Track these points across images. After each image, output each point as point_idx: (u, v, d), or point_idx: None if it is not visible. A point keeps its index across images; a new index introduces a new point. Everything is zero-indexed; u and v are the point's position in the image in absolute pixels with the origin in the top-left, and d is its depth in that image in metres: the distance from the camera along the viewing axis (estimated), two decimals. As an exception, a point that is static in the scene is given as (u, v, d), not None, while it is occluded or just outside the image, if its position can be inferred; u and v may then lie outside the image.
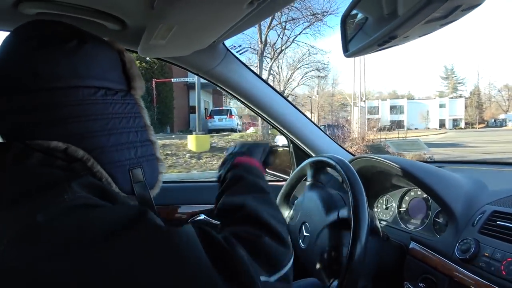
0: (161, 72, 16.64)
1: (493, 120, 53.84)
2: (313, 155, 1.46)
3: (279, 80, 26.05)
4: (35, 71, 0.54)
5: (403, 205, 1.15)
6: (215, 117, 19.63)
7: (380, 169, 1.15)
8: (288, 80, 25.29)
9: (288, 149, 1.60)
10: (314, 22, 18.98)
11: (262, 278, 0.53)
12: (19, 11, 0.85)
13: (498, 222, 0.80)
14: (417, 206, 1.11)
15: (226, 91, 1.33)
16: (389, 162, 1.08)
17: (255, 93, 1.34)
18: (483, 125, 52.84)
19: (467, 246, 0.80)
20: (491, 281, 0.72)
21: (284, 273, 0.58)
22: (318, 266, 0.90)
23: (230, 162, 0.79)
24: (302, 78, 26.08)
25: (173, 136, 12.19)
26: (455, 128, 49.37)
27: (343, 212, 0.88)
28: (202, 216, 1.50)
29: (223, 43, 1.20)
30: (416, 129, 46.53)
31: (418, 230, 1.03)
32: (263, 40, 18.66)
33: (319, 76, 26.32)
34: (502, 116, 54.27)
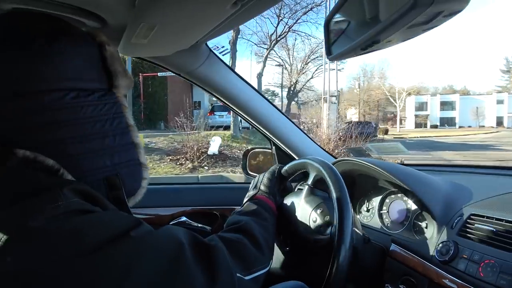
0: (151, 66, 15.98)
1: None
2: (295, 157, 1.46)
3: (290, 71, 27.02)
4: None
5: (384, 207, 1.16)
6: (216, 113, 18.69)
7: (362, 172, 1.16)
8: (300, 72, 25.92)
9: (270, 151, 1.60)
10: (312, 8, 19.54)
11: (238, 275, 0.60)
12: None
13: (476, 225, 0.82)
14: (397, 209, 1.12)
15: (209, 92, 1.32)
16: (370, 165, 1.09)
17: (238, 95, 1.33)
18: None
19: (446, 248, 0.81)
20: (469, 283, 0.74)
21: (257, 275, 0.66)
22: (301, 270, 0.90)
23: (252, 196, 0.96)
24: (317, 69, 26.24)
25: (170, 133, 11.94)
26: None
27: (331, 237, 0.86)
28: (183, 218, 1.49)
29: (206, 44, 1.19)
30: (469, 126, 43.47)
31: (398, 232, 1.04)
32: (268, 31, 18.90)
33: (335, 69, 26.81)
34: None
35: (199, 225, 1.50)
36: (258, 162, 1.71)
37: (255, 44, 22.95)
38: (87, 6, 0.85)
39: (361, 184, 1.22)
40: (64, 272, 0.40)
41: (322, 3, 19.22)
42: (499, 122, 46.66)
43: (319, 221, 0.88)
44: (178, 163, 8.82)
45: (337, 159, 1.24)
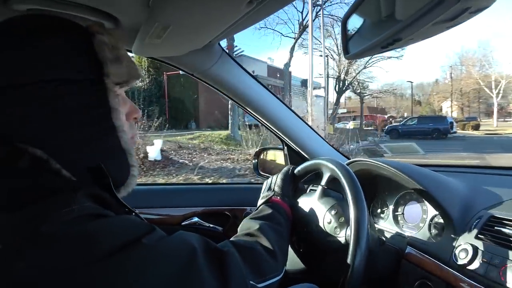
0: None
1: None
2: (308, 157, 1.45)
3: (339, 61, 25.30)
4: None
5: (399, 209, 1.14)
6: None
7: (376, 172, 1.15)
8: (352, 62, 23.93)
9: (282, 151, 1.59)
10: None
11: (251, 282, 0.59)
12: (9, 7, 0.82)
13: (495, 228, 0.80)
14: (412, 210, 1.10)
15: (222, 92, 1.31)
16: (385, 165, 1.07)
17: (250, 95, 1.33)
18: None
19: (465, 252, 0.79)
20: (489, 287, 0.72)
21: (270, 283, 0.66)
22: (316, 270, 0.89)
23: (267, 198, 0.94)
24: (369, 60, 24.94)
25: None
26: None
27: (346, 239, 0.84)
28: (195, 219, 1.49)
29: (219, 44, 1.18)
30: None
31: (414, 235, 1.02)
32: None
33: (390, 57, 24.51)
34: None
35: (211, 225, 1.50)
36: (270, 162, 1.70)
37: (282, 34, 22.53)
38: (101, 6, 0.85)
39: (375, 185, 1.21)
40: (75, 279, 0.40)
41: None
42: None
43: (333, 222, 0.87)
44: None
45: (350, 160, 1.22)
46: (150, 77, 15.63)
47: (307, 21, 18.02)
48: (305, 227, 0.94)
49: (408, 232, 1.06)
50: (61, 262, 0.40)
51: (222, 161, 8.88)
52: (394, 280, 0.94)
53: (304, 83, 25.47)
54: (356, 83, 28.45)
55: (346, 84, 26.13)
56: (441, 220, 0.96)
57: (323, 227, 0.88)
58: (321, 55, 23.11)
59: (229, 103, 11.89)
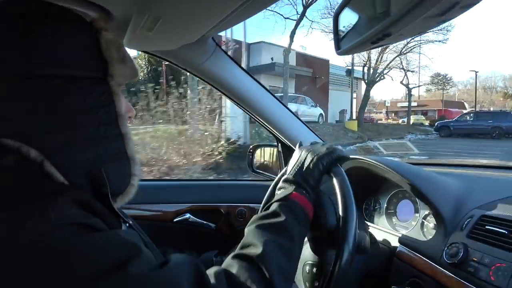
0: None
1: None
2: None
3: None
4: None
5: (391, 207, 1.14)
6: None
7: (369, 170, 1.14)
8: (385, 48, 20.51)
9: (276, 148, 1.58)
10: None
11: None
12: None
13: (486, 227, 0.79)
14: (405, 209, 1.10)
15: (215, 87, 1.30)
16: (377, 163, 1.07)
17: (244, 91, 1.31)
18: None
19: (456, 251, 0.79)
20: (479, 287, 0.71)
21: None
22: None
23: (285, 193, 0.74)
24: (407, 44, 21.84)
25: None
26: None
27: (330, 226, 0.82)
28: (188, 215, 1.48)
29: (212, 38, 1.17)
30: None
31: (405, 233, 1.02)
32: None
33: (433, 41, 21.51)
34: None
35: (204, 222, 1.49)
36: (264, 159, 1.69)
37: (284, 17, 17.95)
38: (91, -2, 0.84)
39: (368, 183, 1.20)
40: None
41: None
42: None
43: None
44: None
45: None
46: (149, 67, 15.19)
47: (310, 1, 16.39)
48: None
49: (400, 231, 1.06)
50: (34, 278, 0.38)
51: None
52: (385, 278, 0.94)
53: (349, 72, 23.59)
54: (403, 71, 25.06)
55: (379, 73, 22.58)
56: (433, 219, 0.95)
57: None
58: None
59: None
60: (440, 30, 20.10)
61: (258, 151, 1.71)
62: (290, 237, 0.66)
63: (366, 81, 21.95)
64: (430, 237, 0.93)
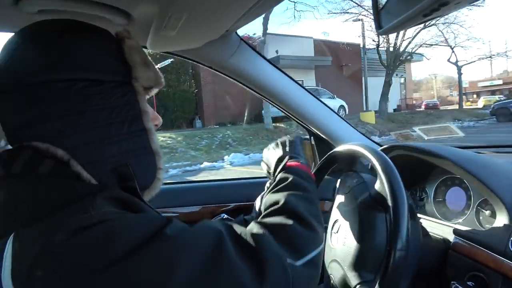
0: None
1: None
2: (336, 146, 1.38)
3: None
4: (10, 69, 0.52)
5: (440, 196, 1.06)
6: None
7: (412, 157, 1.07)
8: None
9: (309, 141, 1.53)
10: None
11: (289, 261, 0.53)
12: (20, 9, 0.80)
13: None
14: (455, 196, 1.02)
15: (242, 83, 1.26)
16: (423, 148, 1.00)
17: (272, 85, 1.27)
18: None
19: (523, 240, 0.71)
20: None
21: (311, 258, 0.57)
22: (350, 263, 0.83)
23: (280, 165, 0.78)
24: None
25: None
26: None
27: (375, 190, 0.79)
28: (224, 215, 1.45)
29: (236, 33, 1.13)
30: None
31: (459, 223, 0.94)
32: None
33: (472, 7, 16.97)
34: None
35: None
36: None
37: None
38: (112, 2, 0.82)
39: (412, 171, 1.12)
40: (96, 283, 0.39)
41: None
42: None
43: None
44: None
45: (385, 146, 1.14)
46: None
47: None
48: (339, 219, 0.89)
49: (452, 220, 0.98)
50: (78, 271, 0.39)
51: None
52: (441, 274, 0.87)
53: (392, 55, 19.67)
54: (450, 47, 21.63)
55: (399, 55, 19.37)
56: (490, 206, 0.87)
57: (354, 203, 0.83)
58: (355, 19, 18.90)
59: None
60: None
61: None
62: (304, 188, 0.68)
63: (386, 64, 18.89)
64: (489, 226, 0.85)
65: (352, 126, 1.42)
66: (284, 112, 1.37)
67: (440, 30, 20.36)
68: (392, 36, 18.84)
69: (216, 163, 9.32)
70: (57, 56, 0.52)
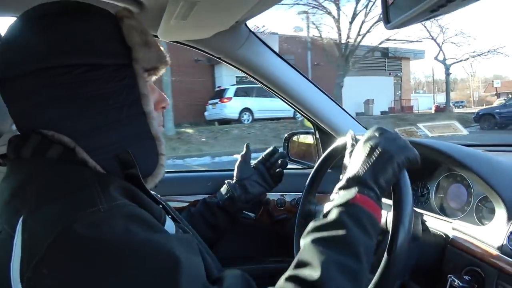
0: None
1: None
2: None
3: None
4: (11, 58, 0.52)
5: (441, 192, 1.07)
6: (209, 102, 14.56)
7: None
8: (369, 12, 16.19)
9: (313, 135, 1.54)
10: None
11: None
12: None
13: None
14: (456, 193, 1.03)
15: (249, 75, 1.28)
16: (426, 145, 1.01)
17: (279, 77, 1.28)
18: None
19: (520, 236, 0.73)
20: (550, 275, 0.65)
21: None
22: None
23: (347, 197, 0.59)
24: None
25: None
26: None
27: None
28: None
29: (245, 24, 1.14)
30: None
31: (459, 219, 0.96)
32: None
33: None
34: None
35: (244, 211, 1.47)
36: (300, 146, 1.65)
37: None
38: (124, -11, 0.83)
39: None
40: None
41: None
42: None
43: None
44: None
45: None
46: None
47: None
48: None
49: (452, 216, 1.00)
50: (84, 270, 0.40)
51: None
52: (438, 268, 0.89)
53: (385, 53, 18.79)
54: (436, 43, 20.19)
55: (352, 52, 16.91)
56: (490, 203, 0.89)
57: None
58: (300, 12, 16.78)
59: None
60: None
61: (294, 139, 1.67)
62: (355, 254, 0.53)
63: (331, 60, 16.49)
64: (488, 222, 0.87)
65: (356, 120, 1.44)
66: (290, 105, 1.38)
67: (423, 24, 18.80)
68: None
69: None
70: (56, 42, 0.51)
